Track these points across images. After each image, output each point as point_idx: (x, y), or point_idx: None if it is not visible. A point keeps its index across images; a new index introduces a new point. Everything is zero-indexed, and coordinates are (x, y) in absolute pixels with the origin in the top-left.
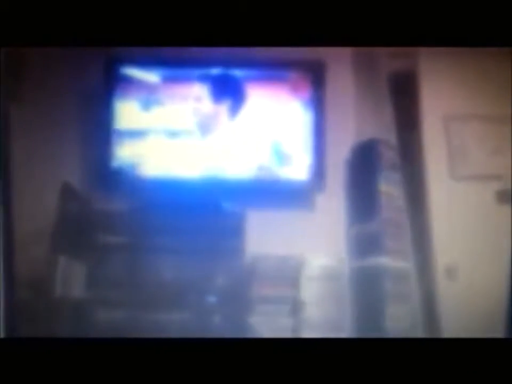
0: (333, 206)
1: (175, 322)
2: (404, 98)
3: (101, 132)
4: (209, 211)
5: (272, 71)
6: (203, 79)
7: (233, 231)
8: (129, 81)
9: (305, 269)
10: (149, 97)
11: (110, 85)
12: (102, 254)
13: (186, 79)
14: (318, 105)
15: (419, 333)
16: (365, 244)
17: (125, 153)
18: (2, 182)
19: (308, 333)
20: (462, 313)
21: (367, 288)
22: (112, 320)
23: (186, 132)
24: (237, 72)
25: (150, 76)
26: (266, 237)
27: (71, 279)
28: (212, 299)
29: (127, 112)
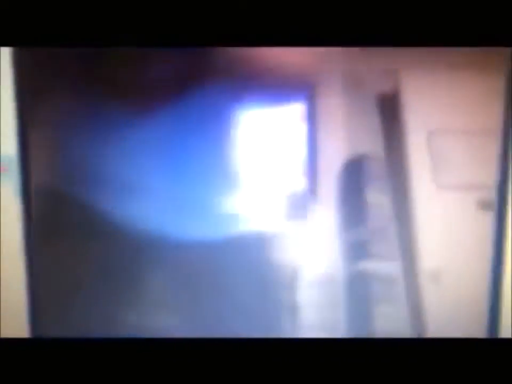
0: (325, 216)
1: (170, 325)
2: (390, 116)
3: None
4: None
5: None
6: None
7: None
8: None
9: (298, 276)
10: None
11: None
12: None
13: None
14: (310, 122)
15: (407, 332)
16: (354, 251)
17: None
18: (22, 180)
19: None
20: (446, 313)
21: (356, 293)
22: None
23: None
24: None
25: None
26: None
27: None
28: None
29: None
